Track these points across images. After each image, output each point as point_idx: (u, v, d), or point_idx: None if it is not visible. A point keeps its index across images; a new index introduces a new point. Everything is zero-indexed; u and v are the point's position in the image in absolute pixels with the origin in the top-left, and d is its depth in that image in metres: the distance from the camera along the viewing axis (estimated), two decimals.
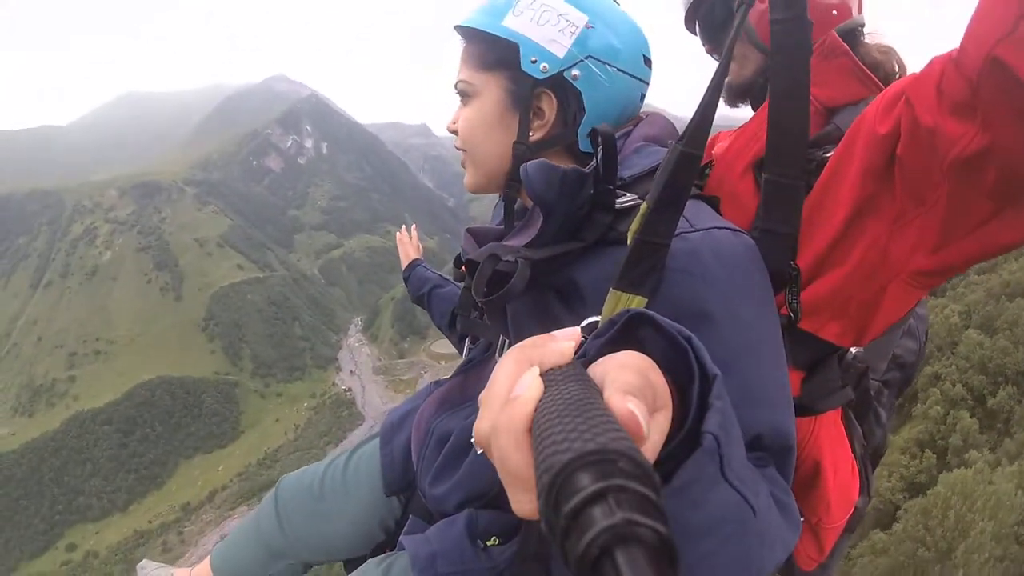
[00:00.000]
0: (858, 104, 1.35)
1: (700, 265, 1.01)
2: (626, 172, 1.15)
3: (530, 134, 1.26)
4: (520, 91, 1.24)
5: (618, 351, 0.55)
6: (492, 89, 1.27)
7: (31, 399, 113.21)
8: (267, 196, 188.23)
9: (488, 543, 1.14)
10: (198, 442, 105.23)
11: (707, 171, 1.46)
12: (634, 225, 1.01)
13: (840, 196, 1.15)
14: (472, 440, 1.12)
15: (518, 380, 0.48)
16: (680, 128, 1.07)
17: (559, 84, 1.22)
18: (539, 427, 0.41)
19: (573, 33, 1.22)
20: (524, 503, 0.43)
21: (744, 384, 0.96)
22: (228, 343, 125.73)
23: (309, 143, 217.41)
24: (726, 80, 1.24)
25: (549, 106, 1.23)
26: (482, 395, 0.52)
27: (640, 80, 1.26)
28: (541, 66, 1.21)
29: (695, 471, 0.59)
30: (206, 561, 2.10)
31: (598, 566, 0.29)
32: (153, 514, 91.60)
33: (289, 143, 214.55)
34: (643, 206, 1.00)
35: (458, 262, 1.45)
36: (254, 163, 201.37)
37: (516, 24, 1.24)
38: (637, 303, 0.98)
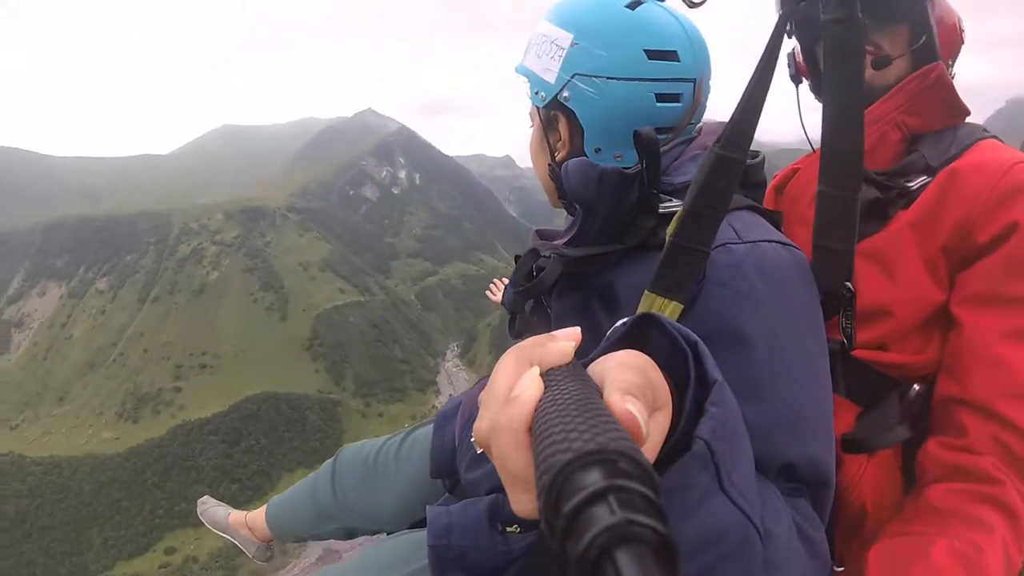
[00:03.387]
0: (943, 132, 1.34)
1: (741, 279, 0.98)
2: (677, 178, 1.14)
3: (556, 154, 1.32)
4: (544, 119, 1.32)
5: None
6: (535, 120, 1.36)
7: (136, 406, 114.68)
8: (364, 224, 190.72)
9: (508, 529, 1.08)
10: (301, 456, 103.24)
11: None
12: (671, 227, 0.99)
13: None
14: (471, 439, 1.15)
15: (518, 380, 0.47)
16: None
17: (561, 107, 1.27)
18: (539, 427, 0.40)
19: (560, 56, 1.24)
20: (524, 503, 0.42)
21: (777, 409, 0.94)
22: (331, 363, 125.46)
23: (402, 174, 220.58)
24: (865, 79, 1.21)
25: (563, 127, 1.29)
26: (482, 394, 0.50)
27: (647, 80, 1.19)
28: (540, 95, 1.28)
29: (681, 477, 0.56)
30: (262, 510, 2.32)
31: (598, 566, 0.29)
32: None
33: (383, 173, 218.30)
34: (680, 210, 0.99)
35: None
36: (351, 192, 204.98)
37: (527, 61, 1.33)
38: (672, 309, 0.95)
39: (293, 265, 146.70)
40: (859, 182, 1.08)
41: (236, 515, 2.43)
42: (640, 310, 0.95)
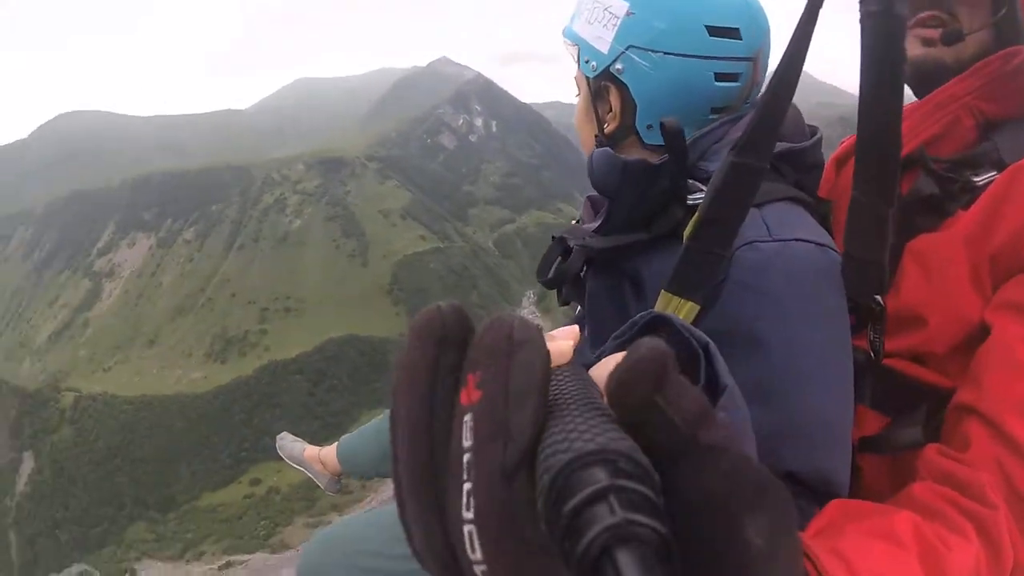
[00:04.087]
0: (1020, 121, 1.17)
1: (765, 281, 0.96)
2: (712, 165, 1.09)
3: (605, 126, 1.27)
4: (593, 88, 1.26)
5: None
6: (582, 87, 1.32)
7: (224, 348, 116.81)
8: (442, 172, 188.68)
9: None
10: (381, 396, 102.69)
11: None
12: (688, 229, 0.95)
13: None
14: None
15: None
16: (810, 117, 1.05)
17: (612, 79, 1.21)
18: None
19: (614, 26, 1.19)
20: None
21: (785, 416, 0.91)
22: (411, 307, 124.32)
23: (479, 122, 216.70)
24: (933, 56, 1.20)
25: (615, 100, 1.23)
26: None
27: (707, 58, 1.14)
28: (591, 64, 1.23)
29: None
30: (334, 447, 2.53)
31: (598, 566, 0.28)
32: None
33: (460, 122, 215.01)
34: (696, 214, 0.95)
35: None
36: (428, 141, 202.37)
37: (577, 27, 1.28)
38: (688, 309, 0.93)
39: (373, 213, 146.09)
40: (892, 194, 1.00)
41: (311, 450, 2.63)
42: (657, 308, 0.94)
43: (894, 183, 1.00)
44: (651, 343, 0.37)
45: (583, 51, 1.25)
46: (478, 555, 0.34)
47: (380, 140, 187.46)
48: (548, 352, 0.39)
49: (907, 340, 1.11)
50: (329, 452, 2.52)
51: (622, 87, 1.21)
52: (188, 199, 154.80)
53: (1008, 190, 1.05)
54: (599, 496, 0.30)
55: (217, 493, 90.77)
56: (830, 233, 1.10)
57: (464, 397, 0.37)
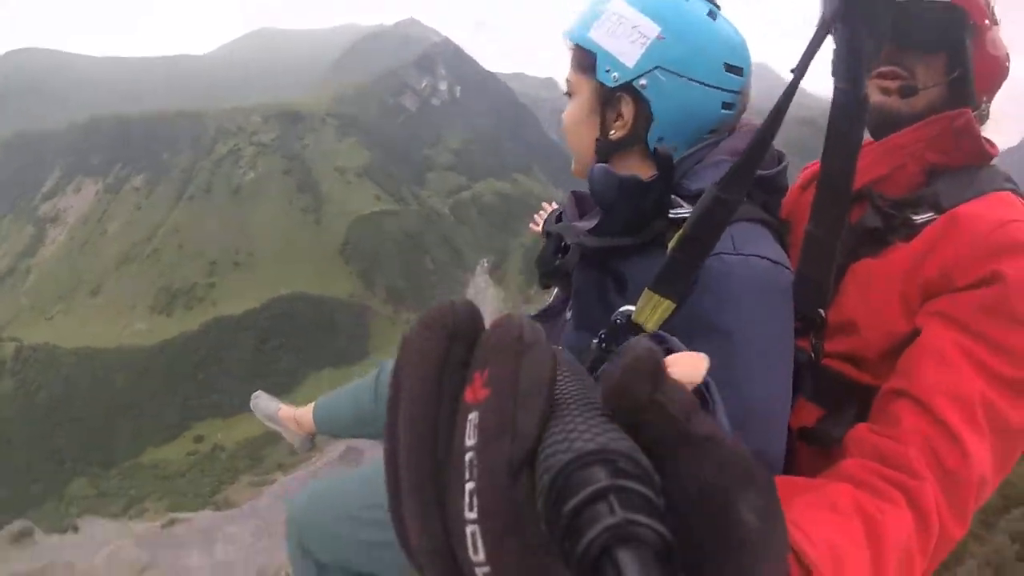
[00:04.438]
0: (963, 171, 1.33)
1: (726, 285, 1.12)
2: (693, 185, 1.23)
3: (612, 132, 1.38)
4: (601, 95, 1.37)
5: None
6: (584, 90, 1.41)
7: (170, 301, 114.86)
8: (402, 134, 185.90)
9: None
10: (329, 357, 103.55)
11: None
12: (673, 240, 1.08)
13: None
14: None
15: None
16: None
17: (632, 91, 1.33)
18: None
19: (644, 44, 1.31)
20: None
21: (737, 401, 1.05)
22: (363, 268, 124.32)
23: (443, 86, 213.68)
24: (891, 107, 1.38)
25: (628, 110, 1.35)
26: None
27: (720, 89, 1.30)
28: (612, 75, 1.34)
29: None
30: (310, 407, 2.62)
31: (599, 566, 0.29)
32: None
33: (424, 84, 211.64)
34: (681, 230, 1.06)
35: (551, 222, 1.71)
36: (390, 102, 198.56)
37: (596, 35, 1.36)
38: (666, 307, 1.05)
39: (330, 170, 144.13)
40: (840, 230, 1.16)
41: (285, 409, 2.74)
42: (639, 304, 1.05)
43: (842, 223, 1.16)
44: (644, 344, 0.37)
45: (602, 60, 1.34)
46: (481, 556, 0.34)
47: (340, 97, 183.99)
48: (555, 355, 0.40)
49: (844, 344, 1.26)
50: (304, 412, 2.64)
51: (640, 101, 1.32)
52: (138, 145, 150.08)
53: (945, 230, 1.19)
54: (599, 496, 0.30)
55: (160, 449, 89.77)
56: (786, 249, 1.27)
57: (470, 395, 0.38)
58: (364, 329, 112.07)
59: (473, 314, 0.40)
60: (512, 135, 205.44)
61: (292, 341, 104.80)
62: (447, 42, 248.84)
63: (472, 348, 0.39)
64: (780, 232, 1.30)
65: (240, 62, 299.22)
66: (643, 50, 1.31)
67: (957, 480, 0.98)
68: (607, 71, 1.34)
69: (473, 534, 0.35)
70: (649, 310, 1.03)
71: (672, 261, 1.07)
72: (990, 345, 1.06)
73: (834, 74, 1.13)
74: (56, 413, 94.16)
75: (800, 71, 1.02)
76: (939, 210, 1.25)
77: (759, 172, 1.21)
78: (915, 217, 1.25)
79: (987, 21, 1.35)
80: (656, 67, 1.30)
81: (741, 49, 1.33)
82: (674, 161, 1.27)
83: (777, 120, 1.03)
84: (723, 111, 1.33)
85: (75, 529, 78.12)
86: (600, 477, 0.31)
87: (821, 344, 1.24)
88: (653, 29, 1.31)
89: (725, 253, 1.14)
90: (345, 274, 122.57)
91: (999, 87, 1.43)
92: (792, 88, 1.03)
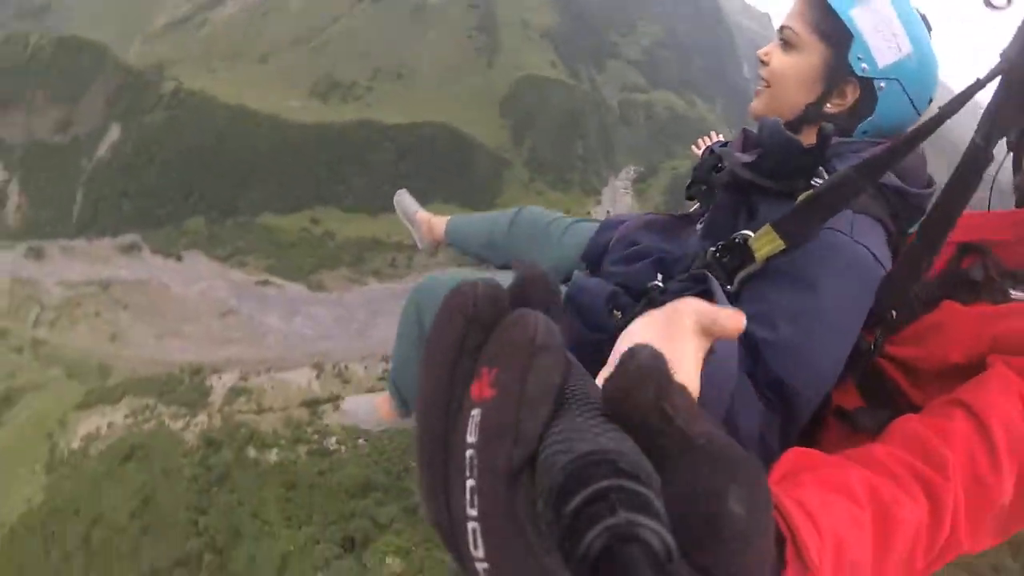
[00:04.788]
0: None
1: (831, 258, 1.28)
2: (838, 165, 1.38)
3: (828, 106, 1.53)
4: (836, 70, 1.49)
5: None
6: (814, 53, 1.50)
7: (328, 90, 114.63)
8: (598, 9, 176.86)
9: (615, 312, 1.45)
10: (458, 195, 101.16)
11: None
12: (802, 196, 1.28)
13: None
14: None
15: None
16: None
17: (866, 84, 1.48)
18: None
19: (897, 54, 1.46)
20: None
21: (802, 337, 1.23)
22: (516, 126, 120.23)
23: None
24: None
25: (852, 94, 1.50)
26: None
27: (918, 112, 1.52)
28: (862, 65, 1.47)
29: None
30: (444, 218, 2.86)
31: (599, 566, 0.29)
32: (396, 233, 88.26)
33: None
34: (814, 191, 1.28)
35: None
36: None
37: (860, 19, 1.45)
38: (777, 244, 1.26)
39: (516, 20, 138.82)
40: (934, 252, 1.26)
41: (423, 213, 2.98)
42: (758, 234, 1.27)
43: (938, 247, 1.26)
44: (649, 351, 0.38)
45: (858, 48, 1.46)
46: (480, 553, 0.35)
47: None
48: (567, 359, 0.39)
49: (907, 352, 1.31)
50: (439, 222, 2.85)
51: (869, 94, 1.49)
52: None
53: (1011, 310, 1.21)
54: (599, 496, 0.30)
55: (278, 217, 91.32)
56: (894, 257, 1.39)
57: (476, 391, 0.38)
58: (499, 183, 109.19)
59: (495, 298, 0.40)
60: (706, 55, 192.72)
61: (429, 166, 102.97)
62: None
63: (490, 330, 0.39)
64: (896, 240, 1.42)
65: None
66: (896, 59, 1.46)
67: (983, 488, 0.99)
68: (859, 58, 1.47)
69: (474, 531, 0.35)
70: (763, 241, 1.27)
71: (797, 210, 1.26)
72: None
73: (979, 125, 1.17)
74: (196, 154, 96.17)
75: (950, 111, 1.16)
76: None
77: (901, 184, 1.40)
78: (1012, 292, 1.27)
79: None
80: (898, 78, 1.47)
81: (936, 78, 1.52)
82: (834, 142, 1.42)
83: (917, 139, 1.19)
84: (908, 126, 1.52)
85: (179, 258, 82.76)
86: (600, 477, 0.31)
87: (883, 340, 1.32)
88: (907, 46, 1.46)
89: (842, 232, 1.29)
90: (498, 125, 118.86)
91: None
92: (936, 122, 1.17)
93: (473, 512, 0.35)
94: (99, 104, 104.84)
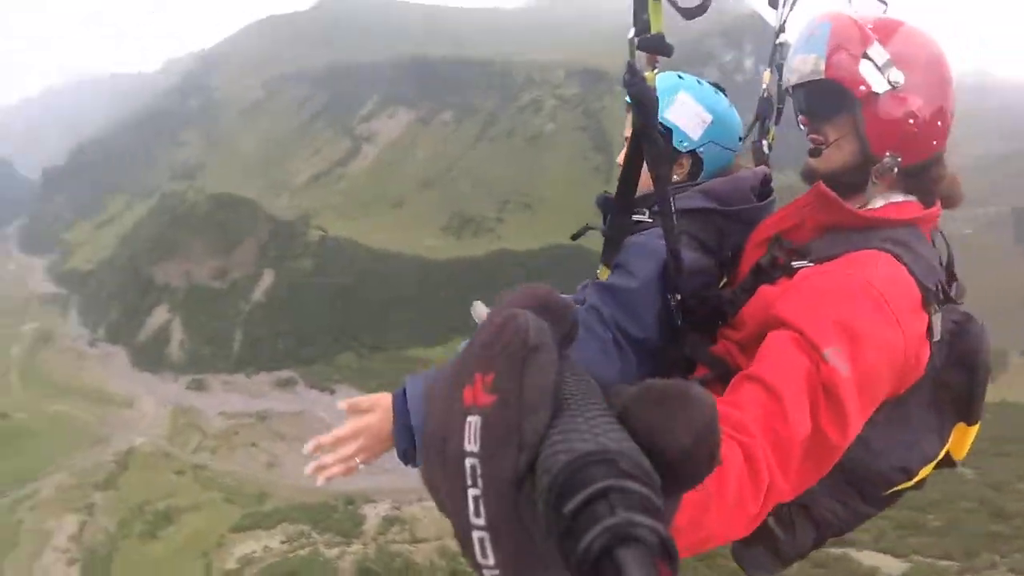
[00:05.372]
0: (847, 232, 1.67)
1: (633, 245, 1.87)
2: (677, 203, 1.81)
3: (675, 176, 2.05)
4: (670, 153, 2.03)
5: None
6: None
7: (460, 226, 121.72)
8: None
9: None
10: None
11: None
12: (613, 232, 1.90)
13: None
14: None
15: None
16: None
17: (691, 153, 2.07)
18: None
19: (703, 126, 2.04)
20: None
21: (617, 281, 1.87)
22: None
23: (748, 63, 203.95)
24: (810, 164, 1.83)
25: (687, 163, 2.10)
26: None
27: (732, 151, 2.12)
28: (684, 144, 2.05)
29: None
30: None
31: (599, 566, 0.29)
32: None
33: (728, 58, 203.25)
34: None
35: None
36: (691, 72, 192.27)
37: (672, 116, 2.03)
38: (607, 271, 1.90)
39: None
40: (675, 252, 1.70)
41: None
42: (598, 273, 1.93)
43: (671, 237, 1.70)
44: (709, 416, 0.41)
45: (677, 135, 2.04)
46: (491, 561, 0.35)
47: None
48: (557, 356, 0.40)
49: (735, 334, 1.68)
50: None
51: (696, 158, 2.09)
52: (451, 85, 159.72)
53: (792, 281, 1.59)
54: (599, 496, 0.31)
55: (426, 349, 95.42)
56: (720, 261, 2.01)
57: (469, 396, 0.38)
58: None
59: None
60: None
61: (560, 286, 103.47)
62: (755, 16, 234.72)
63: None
64: (707, 246, 1.93)
65: (547, 15, 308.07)
66: (703, 129, 2.05)
67: (780, 439, 1.19)
68: (680, 141, 2.05)
69: (481, 540, 0.35)
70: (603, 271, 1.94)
71: (606, 242, 1.90)
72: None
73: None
74: (343, 296, 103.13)
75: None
76: (814, 260, 1.61)
77: (702, 207, 1.93)
78: (794, 264, 1.63)
79: (865, 88, 1.63)
80: (711, 140, 2.06)
81: (740, 125, 2.14)
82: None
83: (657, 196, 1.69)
84: (732, 160, 2.15)
85: (332, 391, 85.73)
86: (599, 477, 0.32)
87: (693, 318, 1.77)
88: (708, 117, 2.05)
89: (642, 236, 1.89)
90: None
91: (912, 146, 1.66)
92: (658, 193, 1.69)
93: (479, 522, 0.35)
94: (252, 252, 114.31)
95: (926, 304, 1.47)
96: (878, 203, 1.72)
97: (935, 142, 1.66)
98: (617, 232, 1.88)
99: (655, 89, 1.55)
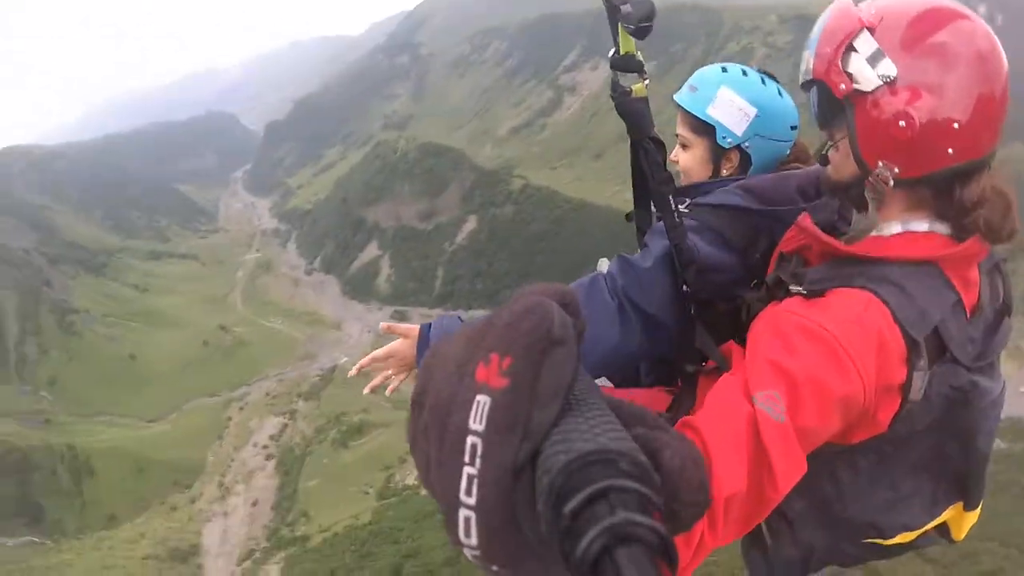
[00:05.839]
0: (840, 260, 1.45)
1: (656, 230, 1.85)
2: (704, 194, 1.92)
3: (723, 172, 2.05)
4: (716, 151, 2.04)
5: None
6: (700, 146, 2.07)
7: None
8: None
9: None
10: None
11: None
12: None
13: None
14: None
15: None
16: None
17: (738, 148, 2.02)
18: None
19: (747, 120, 1.98)
20: None
21: (636, 259, 1.80)
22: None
23: (982, 9, 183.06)
24: (824, 174, 1.62)
25: (735, 159, 2.04)
26: None
27: (786, 142, 2.04)
28: (727, 140, 2.00)
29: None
30: None
31: (598, 566, 0.29)
32: None
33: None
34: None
35: None
36: None
37: (715, 112, 2.00)
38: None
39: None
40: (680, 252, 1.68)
41: None
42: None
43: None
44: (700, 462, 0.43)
45: (720, 131, 2.00)
46: (473, 541, 0.35)
47: None
48: (579, 355, 0.39)
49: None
50: None
51: (744, 153, 2.02)
52: (654, 35, 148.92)
53: (766, 312, 1.43)
54: (598, 496, 0.31)
55: None
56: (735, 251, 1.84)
57: (482, 374, 0.37)
58: None
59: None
60: None
61: None
62: None
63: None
64: (731, 244, 1.80)
65: None
66: (747, 124, 1.98)
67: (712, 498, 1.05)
68: (724, 137, 2.00)
69: (468, 520, 0.35)
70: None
71: (636, 231, 2.07)
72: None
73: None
74: (541, 243, 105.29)
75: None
76: (807, 289, 1.36)
77: (734, 204, 1.81)
78: (791, 288, 1.39)
79: (846, 86, 1.37)
80: (755, 135, 1.99)
81: (794, 112, 2.04)
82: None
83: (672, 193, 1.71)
84: (787, 152, 2.06)
85: None
86: (599, 477, 0.31)
87: (700, 312, 1.75)
88: (752, 110, 1.98)
89: (660, 225, 1.81)
90: None
91: (908, 153, 1.35)
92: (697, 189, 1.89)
93: (469, 501, 0.35)
94: (457, 198, 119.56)
95: (910, 356, 1.26)
96: (892, 229, 1.44)
97: (949, 150, 1.32)
98: (640, 222, 2.06)
99: (644, 101, 1.69)
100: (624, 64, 1.60)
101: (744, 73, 2.04)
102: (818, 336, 1.21)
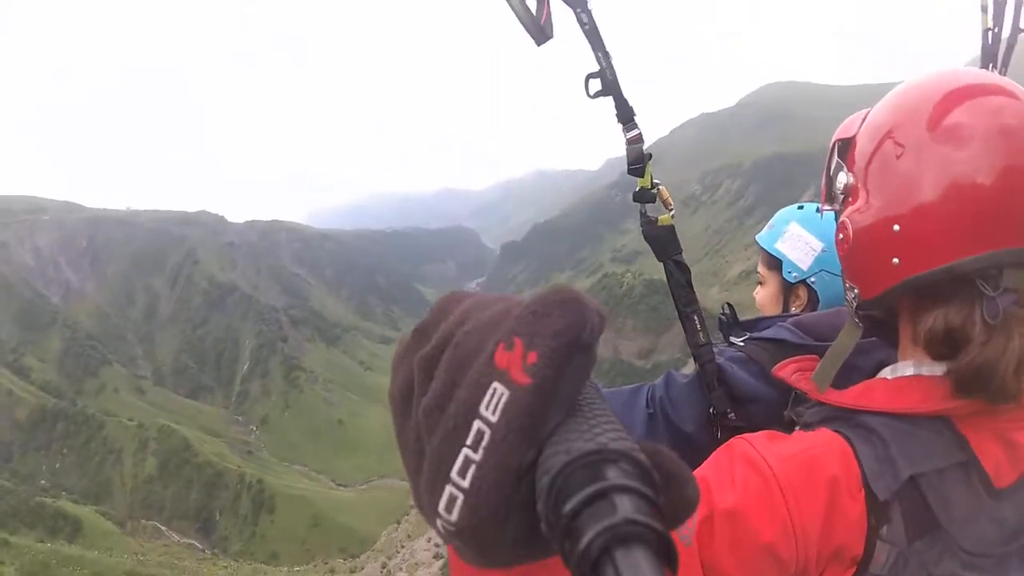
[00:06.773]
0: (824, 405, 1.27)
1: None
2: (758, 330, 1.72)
3: (793, 308, 2.04)
4: (785, 287, 2.05)
5: None
6: (772, 281, 2.09)
7: None
8: None
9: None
10: None
11: None
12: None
13: None
14: None
15: None
16: None
17: (806, 285, 2.01)
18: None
19: (813, 255, 1.98)
20: None
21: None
22: None
23: None
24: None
25: (803, 295, 2.04)
26: None
27: None
28: (792, 275, 2.01)
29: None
30: None
31: (598, 566, 0.29)
32: None
33: None
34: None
35: None
36: None
37: (782, 247, 2.02)
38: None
39: None
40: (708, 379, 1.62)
41: None
42: None
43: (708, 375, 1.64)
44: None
45: (787, 266, 2.02)
46: (453, 519, 0.35)
47: None
48: (595, 360, 0.39)
49: None
50: None
51: (810, 290, 2.02)
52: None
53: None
54: (598, 496, 0.30)
55: None
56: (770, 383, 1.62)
57: (503, 360, 0.36)
58: None
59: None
60: None
61: None
62: None
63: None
64: (770, 377, 1.54)
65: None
66: (813, 258, 1.98)
67: None
68: (789, 272, 2.02)
69: (452, 496, 0.35)
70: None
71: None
72: None
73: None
74: None
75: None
76: (801, 426, 1.19)
77: (776, 337, 1.63)
78: (796, 424, 1.22)
79: (828, 206, 1.24)
80: (821, 270, 1.98)
81: None
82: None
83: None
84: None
85: None
86: (599, 477, 0.31)
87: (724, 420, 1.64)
88: (818, 245, 1.98)
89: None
90: None
91: (853, 270, 1.16)
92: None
93: (462, 483, 0.35)
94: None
95: (870, 519, 0.98)
96: (907, 371, 1.10)
97: (894, 259, 1.03)
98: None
99: (668, 228, 1.64)
100: (641, 197, 1.61)
101: (819, 211, 1.67)
102: (757, 469, 1.00)
